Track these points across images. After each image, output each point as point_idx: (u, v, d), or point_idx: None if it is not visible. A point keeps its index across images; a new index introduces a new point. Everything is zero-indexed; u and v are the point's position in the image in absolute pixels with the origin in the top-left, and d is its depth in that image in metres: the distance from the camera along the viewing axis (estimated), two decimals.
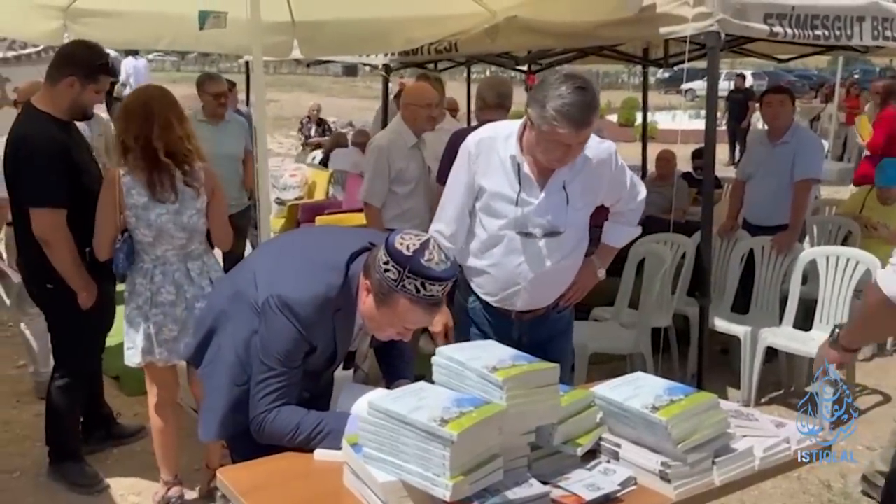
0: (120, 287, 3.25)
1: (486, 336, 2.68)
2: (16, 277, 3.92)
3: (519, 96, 4.62)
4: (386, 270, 1.89)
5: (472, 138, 2.65)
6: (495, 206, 2.60)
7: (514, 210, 2.56)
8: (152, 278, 3.04)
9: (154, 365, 3.13)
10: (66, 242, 3.08)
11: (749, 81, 17.42)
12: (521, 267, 2.61)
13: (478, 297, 2.76)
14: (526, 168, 2.54)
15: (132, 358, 3.13)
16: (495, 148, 2.58)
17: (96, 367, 3.63)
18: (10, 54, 7.82)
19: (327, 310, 2.01)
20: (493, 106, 4.22)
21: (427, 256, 1.87)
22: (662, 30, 3.82)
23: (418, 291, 1.88)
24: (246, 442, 2.09)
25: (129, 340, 3.12)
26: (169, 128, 2.98)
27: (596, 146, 2.61)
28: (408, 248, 1.87)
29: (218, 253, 3.49)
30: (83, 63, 3.16)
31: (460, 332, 2.82)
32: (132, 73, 13.52)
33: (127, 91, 13.58)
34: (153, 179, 2.95)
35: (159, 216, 2.98)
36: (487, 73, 19.17)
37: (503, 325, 2.73)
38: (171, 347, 3.08)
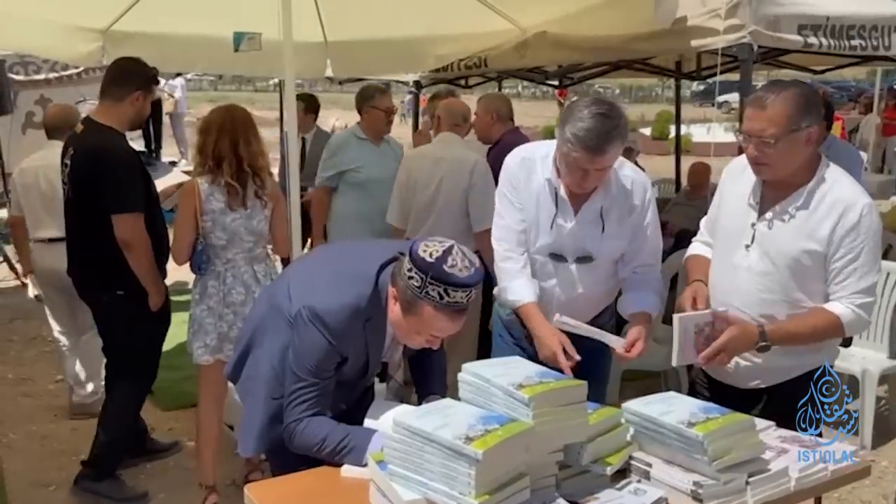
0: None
1: (523, 349, 2.64)
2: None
3: (550, 111, 4.67)
4: (410, 278, 1.90)
5: (512, 159, 2.61)
6: (531, 228, 2.57)
7: (549, 233, 2.53)
8: (224, 280, 3.28)
9: (220, 361, 3.26)
10: (147, 245, 3.29)
11: None
12: (555, 289, 2.58)
13: (515, 312, 2.71)
14: (562, 191, 2.50)
15: (202, 356, 3.31)
16: (534, 170, 2.55)
17: (154, 377, 3.67)
18: (52, 75, 8.05)
19: (358, 320, 2.03)
20: (508, 118, 4.36)
21: (450, 263, 1.87)
22: (694, 42, 3.78)
23: (441, 298, 1.88)
24: (285, 455, 2.11)
25: (199, 340, 3.30)
26: (249, 143, 3.28)
27: (634, 176, 2.56)
28: (430, 254, 1.88)
29: None
30: (144, 77, 3.39)
31: (498, 345, 2.81)
32: (178, 89, 13.96)
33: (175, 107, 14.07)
34: (234, 187, 3.22)
35: (234, 221, 3.24)
36: (520, 87, 19.22)
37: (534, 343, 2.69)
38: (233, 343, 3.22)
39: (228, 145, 3.24)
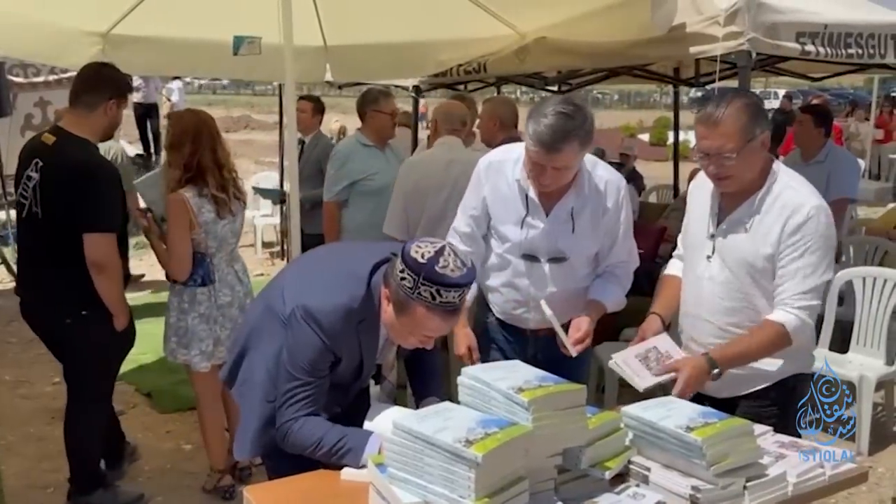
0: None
1: (503, 352, 2.70)
2: None
3: None
4: (402, 279, 1.91)
5: (482, 162, 2.69)
6: (502, 230, 2.63)
7: (519, 234, 2.58)
8: (214, 285, 3.31)
9: (215, 366, 3.29)
10: (119, 266, 3.16)
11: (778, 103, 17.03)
12: (529, 289, 2.62)
13: (494, 314, 2.78)
14: (532, 192, 2.55)
15: (200, 364, 3.35)
16: (504, 172, 2.61)
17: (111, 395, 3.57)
18: (52, 78, 8.05)
19: (351, 320, 2.04)
20: (511, 125, 4.23)
21: (441, 263, 1.88)
22: (692, 49, 3.79)
23: (434, 298, 1.88)
24: (280, 459, 2.12)
25: (195, 349, 3.32)
26: (224, 148, 3.32)
27: (607, 176, 2.61)
28: (422, 255, 1.89)
29: None
30: (118, 84, 3.22)
31: (479, 348, 2.83)
32: (175, 93, 13.96)
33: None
34: (221, 195, 3.24)
35: (223, 227, 3.30)
36: (518, 93, 19.25)
37: (519, 342, 2.73)
38: (228, 347, 3.26)
39: (210, 155, 3.22)
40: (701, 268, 2.42)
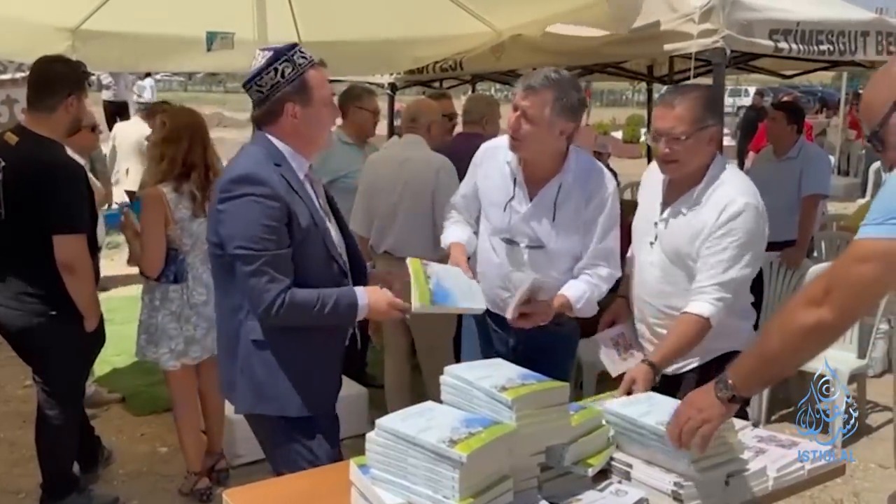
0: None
1: (489, 341, 2.74)
2: None
3: None
4: (283, 73, 2.15)
5: (480, 150, 2.79)
6: (489, 212, 2.69)
7: (503, 216, 2.62)
8: (186, 283, 3.26)
9: (186, 365, 3.30)
10: (91, 268, 3.10)
11: (749, 100, 17.16)
12: (511, 275, 2.64)
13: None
14: (520, 176, 2.61)
15: (169, 362, 3.30)
16: (497, 156, 2.68)
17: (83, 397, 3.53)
18: (19, 75, 7.88)
19: (268, 163, 2.16)
20: (472, 121, 4.22)
21: (277, 45, 2.18)
22: (667, 46, 3.83)
23: (306, 58, 2.19)
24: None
25: (164, 347, 3.28)
26: (213, 150, 3.30)
27: (592, 165, 2.66)
28: (261, 57, 2.16)
29: None
30: (74, 79, 3.13)
31: (465, 337, 2.91)
32: (146, 90, 13.75)
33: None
34: (199, 195, 3.20)
35: (199, 226, 3.22)
36: (493, 90, 19.26)
37: (505, 331, 2.72)
38: (203, 345, 3.29)
39: (200, 154, 3.22)
40: (644, 253, 2.55)
